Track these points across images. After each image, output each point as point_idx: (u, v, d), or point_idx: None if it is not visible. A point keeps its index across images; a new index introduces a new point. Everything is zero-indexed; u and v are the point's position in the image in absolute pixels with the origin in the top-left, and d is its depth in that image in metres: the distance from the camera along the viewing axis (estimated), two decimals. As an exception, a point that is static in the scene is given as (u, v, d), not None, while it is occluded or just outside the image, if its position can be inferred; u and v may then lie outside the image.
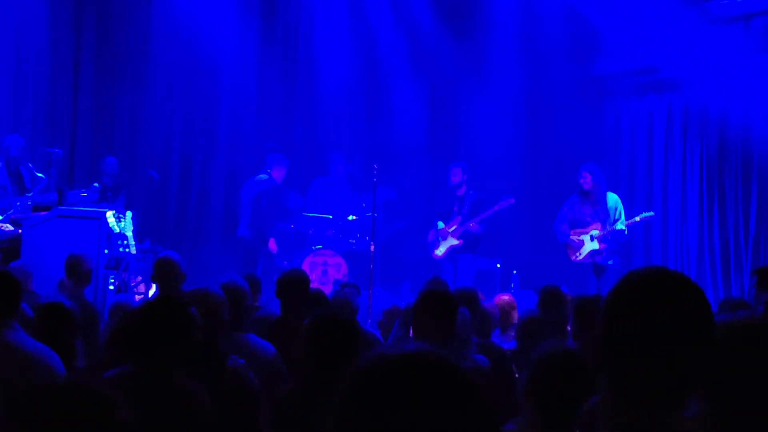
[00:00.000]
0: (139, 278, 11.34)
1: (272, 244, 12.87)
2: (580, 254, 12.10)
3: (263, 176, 13.12)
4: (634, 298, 2.12)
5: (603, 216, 12.05)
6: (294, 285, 6.89)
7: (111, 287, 10.65)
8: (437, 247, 12.96)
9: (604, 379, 2.13)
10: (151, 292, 10.97)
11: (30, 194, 11.11)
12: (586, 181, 12.07)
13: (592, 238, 12.03)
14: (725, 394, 2.76)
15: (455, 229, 12.81)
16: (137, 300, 9.85)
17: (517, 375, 6.14)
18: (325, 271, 12.84)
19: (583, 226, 12.15)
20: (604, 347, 2.13)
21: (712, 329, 2.12)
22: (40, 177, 11.41)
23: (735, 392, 2.76)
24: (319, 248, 13.16)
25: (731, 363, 2.76)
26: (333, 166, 13.91)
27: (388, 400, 1.65)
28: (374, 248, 12.10)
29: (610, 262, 12.00)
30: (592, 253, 12.00)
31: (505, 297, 8.44)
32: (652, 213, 12.33)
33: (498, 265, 13.43)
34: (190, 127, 14.58)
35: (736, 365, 2.75)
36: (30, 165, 11.53)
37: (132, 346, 4.22)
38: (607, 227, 11.93)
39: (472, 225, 12.68)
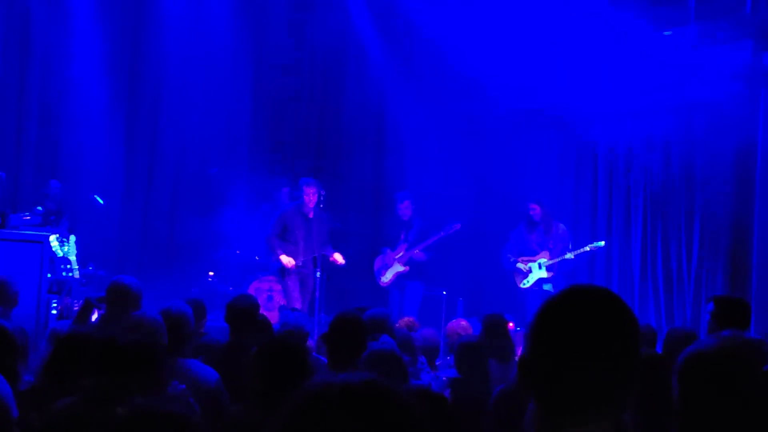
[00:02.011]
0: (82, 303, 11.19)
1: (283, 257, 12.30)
2: (527, 281, 12.17)
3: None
4: (551, 318, 2.15)
5: (551, 245, 12.14)
6: (243, 311, 6.89)
7: (54, 312, 10.50)
8: (383, 274, 12.95)
9: (534, 399, 2.14)
10: (93, 317, 10.82)
11: (-28, 217, 10.96)
12: (536, 212, 12.17)
13: (540, 266, 12.11)
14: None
15: (401, 255, 12.82)
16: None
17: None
18: (270, 297, 12.78)
19: (531, 254, 12.24)
20: (528, 367, 2.14)
21: (632, 344, 2.13)
22: (-18, 200, 11.26)
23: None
24: (265, 274, 13.10)
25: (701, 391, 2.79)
26: (278, 191, 13.88)
27: (329, 428, 1.65)
28: (321, 275, 12.07)
29: (557, 290, 12.08)
30: (540, 281, 12.09)
31: (463, 323, 8.48)
32: (602, 243, 12.45)
33: (444, 293, 13.43)
34: (134, 151, 14.49)
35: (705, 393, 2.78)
36: (-28, 188, 11.38)
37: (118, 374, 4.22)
38: (556, 255, 12.03)
39: (417, 252, 12.70)
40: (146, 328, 5.11)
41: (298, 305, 11.42)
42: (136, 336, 4.43)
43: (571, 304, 2.15)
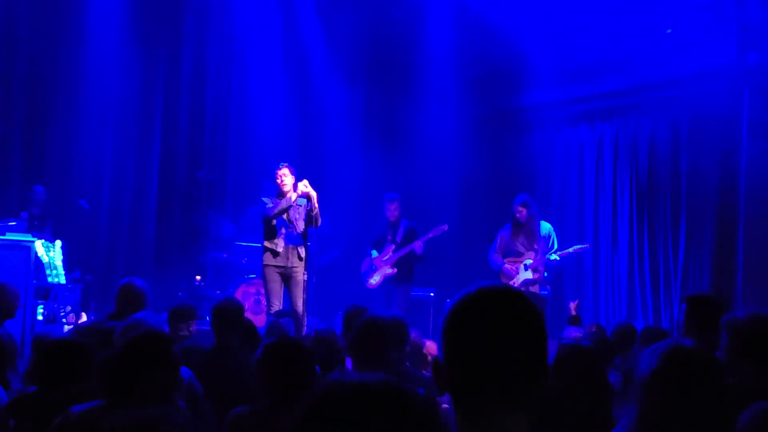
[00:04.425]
0: (69, 308, 11.17)
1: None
2: (514, 283, 12.14)
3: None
4: (457, 321, 2.18)
5: (537, 245, 12.12)
6: (228, 314, 6.88)
7: (40, 317, 10.48)
8: (371, 276, 12.93)
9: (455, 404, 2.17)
10: (82, 320, 10.83)
11: (-43, 223, 10.93)
12: (522, 214, 12.12)
13: (526, 267, 12.08)
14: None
15: (389, 257, 12.80)
16: (66, 330, 9.71)
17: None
18: (257, 300, 12.75)
19: (517, 255, 12.20)
20: (440, 371, 2.18)
21: (538, 341, 2.16)
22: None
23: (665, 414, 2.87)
24: (253, 277, 13.08)
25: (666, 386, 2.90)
26: (265, 194, 13.83)
27: (342, 428, 1.65)
28: (308, 278, 12.04)
29: (543, 292, 12.08)
30: (526, 282, 12.05)
31: (428, 342, 8.47)
32: (586, 245, 12.45)
33: (432, 294, 13.45)
34: (121, 156, 14.46)
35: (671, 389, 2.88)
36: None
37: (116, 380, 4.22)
38: (541, 256, 12.01)
39: (417, 244, 12.65)
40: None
41: (276, 305, 11.11)
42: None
43: (475, 307, 2.17)
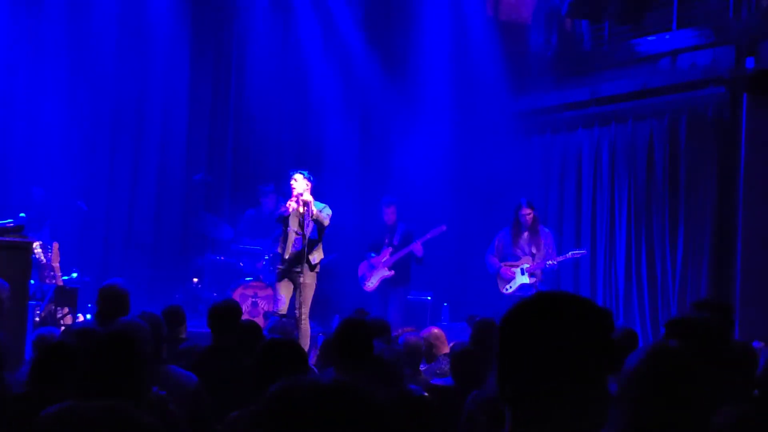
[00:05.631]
0: (66, 309, 11.15)
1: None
2: (510, 287, 12.12)
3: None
4: (515, 329, 2.12)
5: (534, 250, 12.10)
6: (225, 315, 6.88)
7: (36, 319, 10.46)
8: (368, 279, 12.93)
9: (508, 412, 2.10)
10: (79, 319, 10.82)
11: (-45, 224, 10.89)
12: (529, 217, 12.08)
13: (522, 272, 12.07)
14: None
15: (387, 260, 12.80)
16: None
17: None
18: (255, 303, 12.74)
19: (514, 259, 12.19)
20: (503, 379, 2.11)
21: (609, 349, 2.10)
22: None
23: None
24: (250, 280, 13.07)
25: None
26: (264, 197, 13.83)
27: (297, 427, 1.64)
28: (303, 279, 12.02)
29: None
30: (523, 286, 12.04)
31: (435, 330, 8.42)
32: (583, 251, 12.45)
33: (429, 297, 13.44)
34: (119, 157, 14.44)
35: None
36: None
37: (89, 381, 4.19)
38: (540, 261, 12.00)
39: (416, 246, 12.65)
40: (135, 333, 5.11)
41: (281, 308, 11.16)
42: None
43: (529, 311, 2.13)
